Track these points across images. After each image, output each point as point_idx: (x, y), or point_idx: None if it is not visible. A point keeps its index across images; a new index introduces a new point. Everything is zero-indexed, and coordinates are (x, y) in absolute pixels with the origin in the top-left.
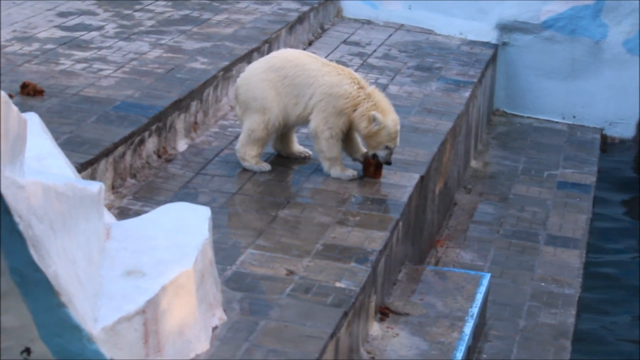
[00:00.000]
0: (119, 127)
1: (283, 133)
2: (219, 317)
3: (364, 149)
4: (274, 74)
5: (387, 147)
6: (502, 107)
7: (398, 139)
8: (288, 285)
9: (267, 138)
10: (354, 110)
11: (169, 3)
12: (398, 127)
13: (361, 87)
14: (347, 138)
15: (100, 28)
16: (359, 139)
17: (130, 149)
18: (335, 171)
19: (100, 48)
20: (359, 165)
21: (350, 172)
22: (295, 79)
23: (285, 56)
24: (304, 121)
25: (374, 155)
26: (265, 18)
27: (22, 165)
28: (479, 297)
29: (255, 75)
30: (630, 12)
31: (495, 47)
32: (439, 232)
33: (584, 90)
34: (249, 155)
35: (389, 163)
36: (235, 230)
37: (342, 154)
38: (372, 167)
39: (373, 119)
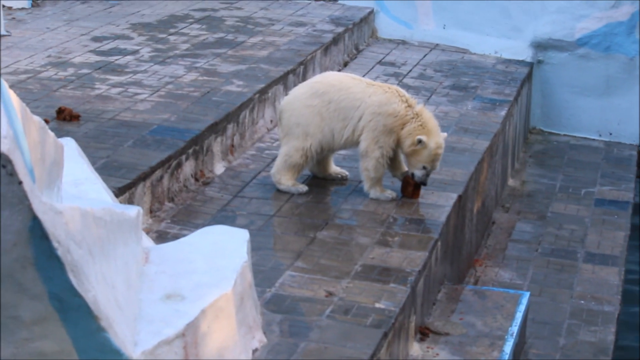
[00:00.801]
0: (156, 151)
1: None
2: (258, 339)
3: (405, 168)
4: (318, 99)
5: (424, 167)
6: (538, 125)
7: (438, 163)
8: (327, 307)
9: (304, 164)
10: (402, 128)
11: (204, 26)
12: (440, 151)
13: (409, 106)
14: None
15: (135, 52)
16: (402, 158)
17: (168, 173)
18: (375, 191)
19: (135, 72)
20: (397, 187)
21: (389, 194)
22: (341, 102)
23: (328, 81)
24: (353, 144)
25: (412, 174)
26: (300, 40)
27: (60, 191)
28: (519, 316)
29: (299, 101)
30: None
31: (531, 65)
32: (478, 252)
33: (619, 107)
34: (285, 179)
35: (423, 184)
36: (274, 253)
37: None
38: (410, 187)
39: (418, 142)
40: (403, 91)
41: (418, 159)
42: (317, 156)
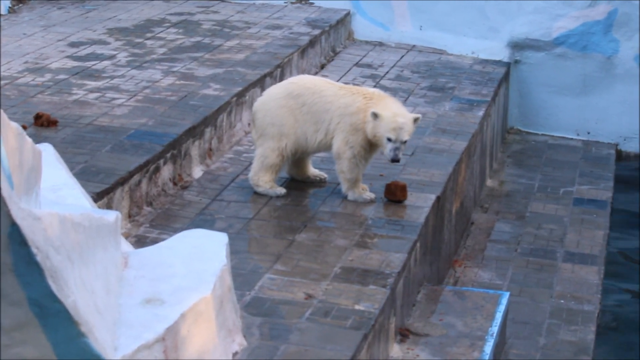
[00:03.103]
0: (134, 156)
1: (299, 158)
2: (238, 342)
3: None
4: (293, 100)
5: (389, 140)
6: (516, 125)
7: (403, 133)
8: (307, 309)
9: (280, 165)
10: (365, 122)
11: (180, 30)
12: (400, 120)
13: (371, 98)
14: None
15: (112, 57)
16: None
17: (146, 177)
18: (353, 193)
19: (112, 77)
20: (375, 188)
21: (368, 195)
22: (313, 106)
23: (303, 83)
24: (326, 147)
25: (386, 156)
26: (277, 43)
27: (38, 197)
28: (499, 316)
29: (274, 101)
30: None
31: (508, 65)
32: (457, 252)
33: (597, 106)
34: (263, 181)
35: (395, 160)
36: (253, 256)
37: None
38: (397, 191)
39: (373, 116)
40: (370, 90)
41: (380, 134)
42: (292, 157)
